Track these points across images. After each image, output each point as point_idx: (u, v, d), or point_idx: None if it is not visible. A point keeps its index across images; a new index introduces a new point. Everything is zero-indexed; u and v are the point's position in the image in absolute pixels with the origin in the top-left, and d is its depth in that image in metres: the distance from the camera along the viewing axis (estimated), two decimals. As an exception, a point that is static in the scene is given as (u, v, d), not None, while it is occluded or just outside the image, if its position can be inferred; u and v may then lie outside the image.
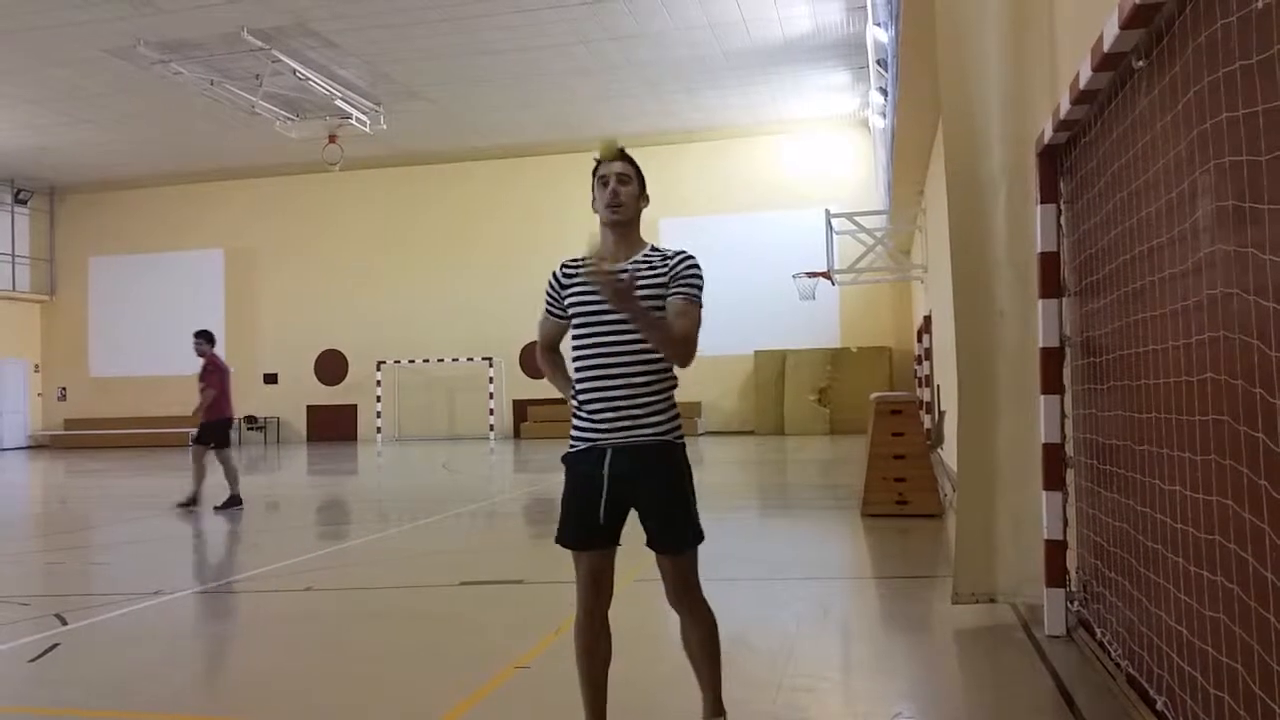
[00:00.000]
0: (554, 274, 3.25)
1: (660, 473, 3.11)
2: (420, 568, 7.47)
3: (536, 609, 5.84)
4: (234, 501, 10.98)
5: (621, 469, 3.07)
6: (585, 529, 3.12)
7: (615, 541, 3.16)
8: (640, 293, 3.00)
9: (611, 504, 3.09)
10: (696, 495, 3.19)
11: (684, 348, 3.07)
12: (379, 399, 27.85)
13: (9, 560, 8.23)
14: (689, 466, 3.20)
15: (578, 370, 3.15)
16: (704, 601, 3.21)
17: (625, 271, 2.96)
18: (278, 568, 7.31)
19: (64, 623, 5.63)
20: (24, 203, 29.79)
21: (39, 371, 30.86)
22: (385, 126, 22.95)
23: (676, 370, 3.19)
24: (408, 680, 4.35)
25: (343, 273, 29.01)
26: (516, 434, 27.53)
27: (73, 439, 29.63)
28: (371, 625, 5.56)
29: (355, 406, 28.87)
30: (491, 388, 27.24)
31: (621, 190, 3.16)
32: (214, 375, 11.00)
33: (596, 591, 3.16)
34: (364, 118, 22.18)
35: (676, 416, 3.17)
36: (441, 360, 27.84)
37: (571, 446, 3.17)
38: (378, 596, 6.37)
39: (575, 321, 3.16)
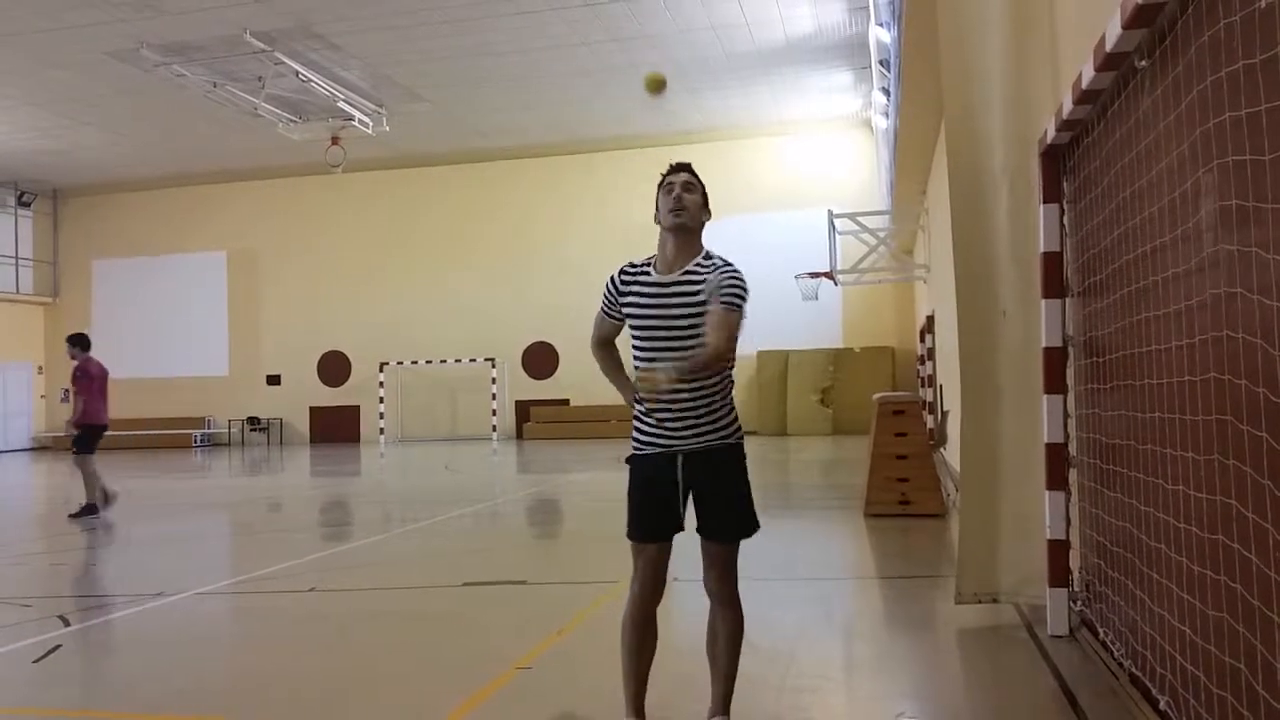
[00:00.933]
0: (612, 278, 3.41)
1: (729, 472, 3.31)
2: (423, 569, 7.47)
3: (538, 610, 5.84)
4: (90, 510, 10.65)
5: (694, 472, 3.27)
6: (658, 524, 3.29)
7: (680, 529, 3.32)
8: (695, 309, 3.21)
9: (683, 501, 3.29)
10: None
11: (720, 362, 3.23)
12: (382, 400, 27.86)
13: (12, 562, 8.25)
14: (746, 462, 3.39)
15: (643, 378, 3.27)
16: (738, 594, 3.38)
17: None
18: (281, 568, 7.31)
19: (67, 624, 5.64)
20: (27, 205, 29.83)
21: (42, 374, 30.90)
22: (388, 128, 22.95)
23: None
24: (410, 681, 4.35)
25: (345, 274, 29.03)
26: (519, 435, 27.53)
27: (76, 441, 29.63)
28: (374, 626, 5.56)
29: (358, 408, 28.88)
30: (494, 388, 27.25)
31: (685, 196, 3.27)
32: (84, 381, 10.67)
33: (654, 582, 3.32)
34: (366, 119, 22.19)
35: (737, 417, 3.39)
36: (444, 361, 27.85)
37: (638, 449, 3.33)
38: (381, 597, 6.37)
39: (637, 331, 3.32)
